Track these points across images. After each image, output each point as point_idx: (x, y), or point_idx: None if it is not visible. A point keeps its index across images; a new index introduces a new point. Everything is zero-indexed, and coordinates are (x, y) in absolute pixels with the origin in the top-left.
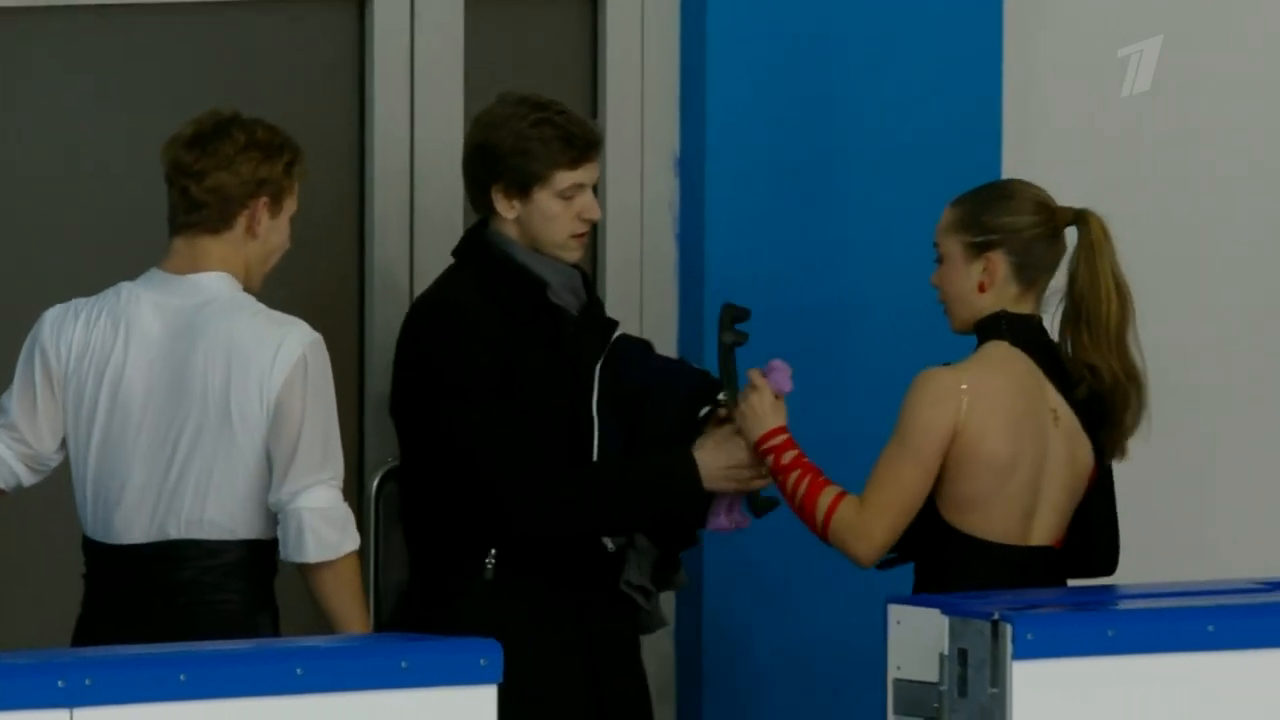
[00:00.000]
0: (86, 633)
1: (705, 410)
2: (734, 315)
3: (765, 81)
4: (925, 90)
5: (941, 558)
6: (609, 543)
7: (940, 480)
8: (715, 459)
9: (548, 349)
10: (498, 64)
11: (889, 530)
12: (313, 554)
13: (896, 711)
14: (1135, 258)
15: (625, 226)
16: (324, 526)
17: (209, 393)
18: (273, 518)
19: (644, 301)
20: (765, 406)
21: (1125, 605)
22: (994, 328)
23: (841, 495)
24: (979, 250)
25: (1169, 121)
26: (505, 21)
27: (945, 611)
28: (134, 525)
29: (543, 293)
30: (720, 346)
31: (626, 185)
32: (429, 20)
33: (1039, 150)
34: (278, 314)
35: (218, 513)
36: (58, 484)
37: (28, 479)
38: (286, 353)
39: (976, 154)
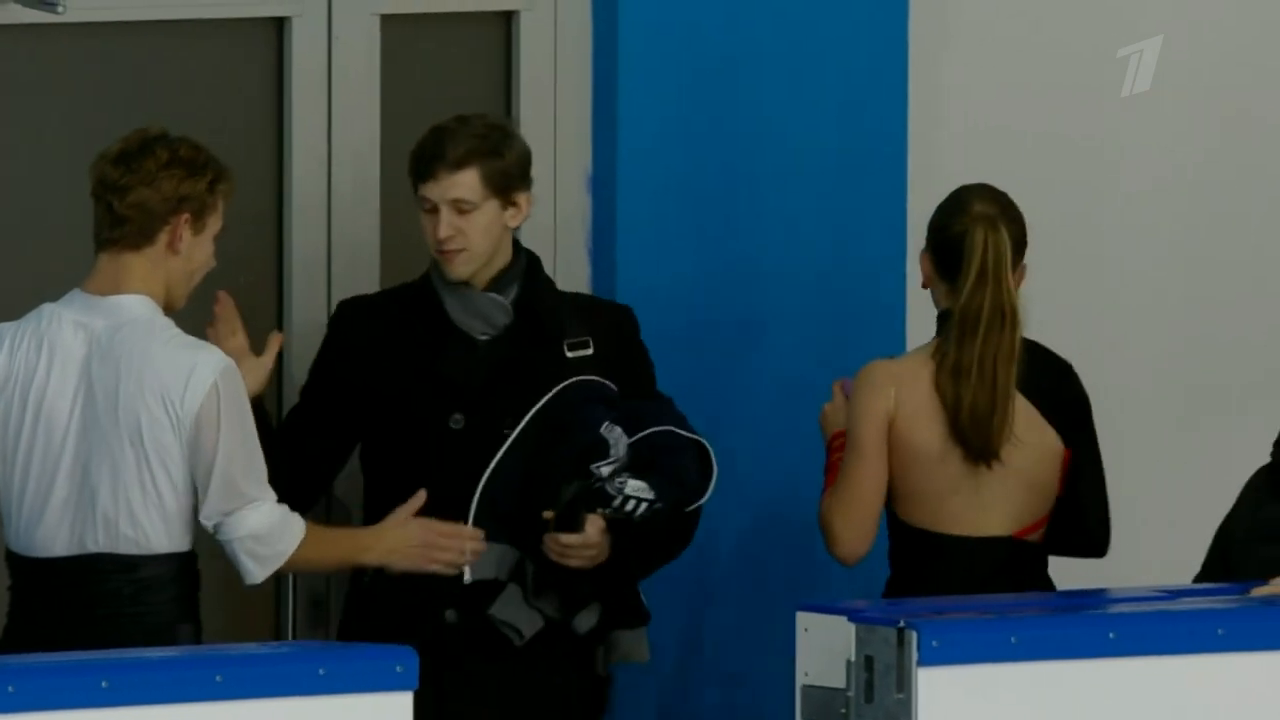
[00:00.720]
0: (12, 643)
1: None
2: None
3: (675, 101)
4: (832, 108)
5: (900, 554)
6: (466, 572)
7: (890, 475)
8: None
9: (427, 364)
10: (414, 85)
11: (853, 526)
12: (258, 576)
13: (805, 717)
14: (1038, 260)
15: (539, 244)
16: (259, 548)
17: (123, 414)
18: (191, 532)
19: None
20: (841, 413)
21: (1027, 613)
22: (939, 321)
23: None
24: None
25: (1067, 134)
26: (421, 43)
27: (852, 619)
28: (55, 540)
29: (439, 313)
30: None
31: (541, 203)
32: (346, 42)
33: (942, 165)
34: (191, 339)
35: (133, 528)
36: None
37: None
38: (198, 380)
39: (882, 170)
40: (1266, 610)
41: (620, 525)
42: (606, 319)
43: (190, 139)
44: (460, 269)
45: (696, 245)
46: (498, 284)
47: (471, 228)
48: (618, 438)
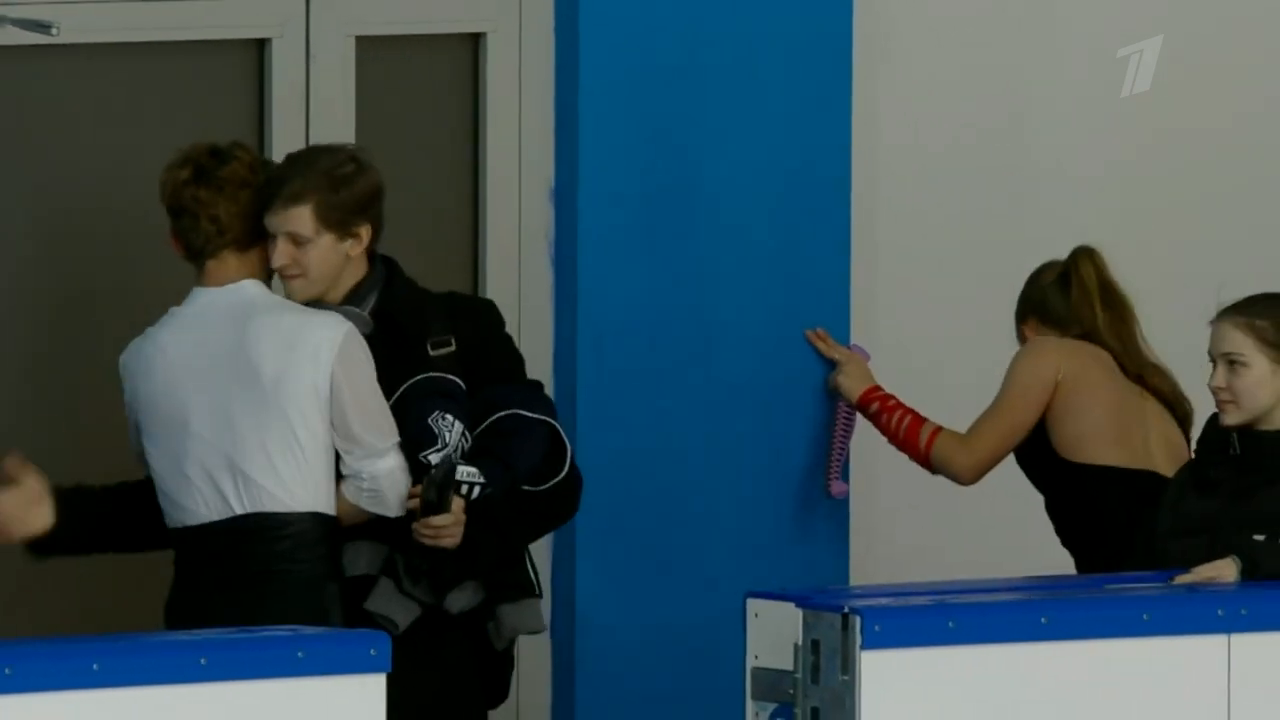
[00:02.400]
0: (175, 611)
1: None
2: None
3: (633, 117)
4: (780, 123)
5: None
6: (345, 567)
7: None
8: None
9: None
10: (387, 103)
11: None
12: (401, 509)
13: (754, 697)
14: (975, 263)
15: (504, 253)
16: (400, 486)
17: (262, 377)
18: (332, 494)
19: (521, 323)
20: (863, 370)
21: (965, 599)
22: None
23: (940, 428)
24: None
25: (997, 143)
26: (394, 64)
27: (799, 605)
28: (203, 508)
29: None
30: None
31: (505, 215)
32: (323, 62)
33: (882, 170)
34: (310, 309)
35: (277, 487)
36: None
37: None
38: (329, 333)
39: (827, 179)
40: (1188, 597)
41: (468, 508)
42: (468, 314)
43: (240, 142)
44: (299, 294)
45: (653, 253)
46: (353, 297)
47: (306, 258)
48: (447, 425)
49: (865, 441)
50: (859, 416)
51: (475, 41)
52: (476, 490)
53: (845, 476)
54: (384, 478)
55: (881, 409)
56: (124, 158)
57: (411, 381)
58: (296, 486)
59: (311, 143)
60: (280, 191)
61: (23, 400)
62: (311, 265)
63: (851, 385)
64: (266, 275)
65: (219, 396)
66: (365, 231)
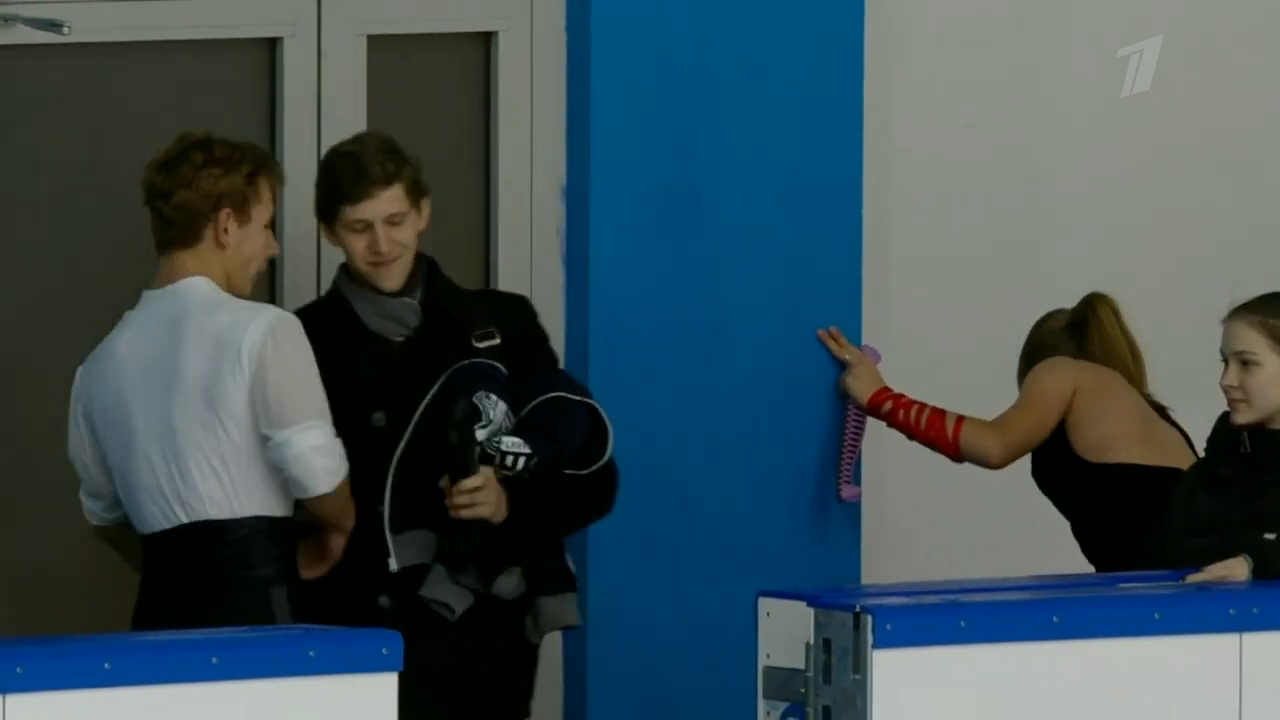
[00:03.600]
0: (141, 613)
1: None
2: (471, 415)
3: (645, 115)
4: (792, 121)
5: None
6: (392, 563)
7: None
8: None
9: (346, 368)
10: (399, 101)
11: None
12: (327, 485)
13: (766, 696)
14: (984, 266)
15: (516, 251)
16: (325, 459)
17: (193, 384)
18: (282, 494)
19: None
20: (872, 372)
21: (977, 598)
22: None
23: (963, 416)
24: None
25: (1008, 143)
26: (406, 62)
27: (811, 604)
28: (155, 516)
29: (352, 319)
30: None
31: (518, 212)
32: (335, 61)
33: (894, 169)
34: (251, 303)
35: (219, 494)
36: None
37: (118, 510)
38: (256, 326)
39: (840, 176)
40: (1200, 596)
41: (514, 486)
42: (507, 309)
43: (228, 138)
44: (395, 279)
45: (665, 251)
46: (405, 288)
47: (404, 237)
48: (492, 405)
49: (878, 441)
50: (870, 420)
51: (487, 40)
52: (522, 461)
53: (856, 480)
54: (292, 460)
55: (896, 407)
56: (135, 157)
57: (455, 367)
58: (238, 492)
59: (324, 142)
60: (370, 175)
61: (38, 398)
62: (409, 242)
63: (860, 388)
64: (233, 281)
65: (158, 404)
66: (427, 206)
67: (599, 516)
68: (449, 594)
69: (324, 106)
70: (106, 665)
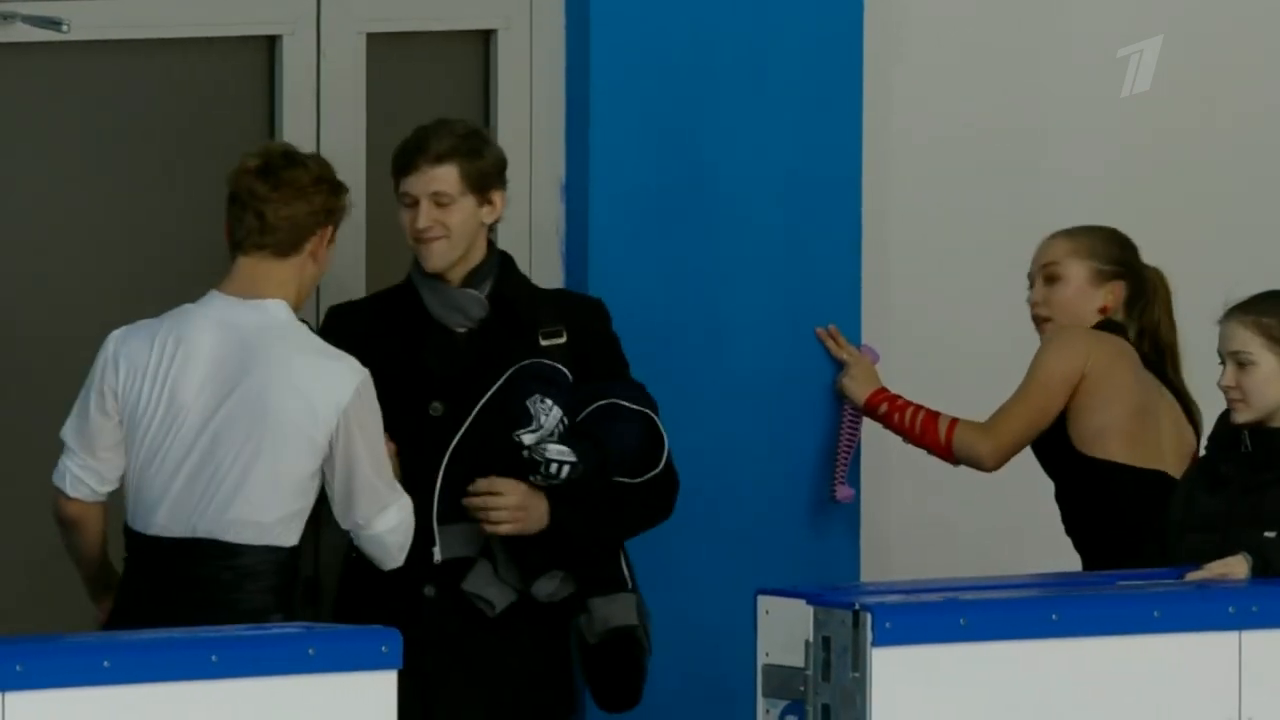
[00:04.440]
0: (120, 614)
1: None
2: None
3: (643, 112)
4: (790, 118)
5: None
6: (436, 553)
7: None
8: None
9: (409, 356)
10: (398, 99)
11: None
12: (399, 561)
13: (765, 694)
14: (989, 257)
15: (515, 248)
16: (398, 538)
17: (256, 411)
18: (297, 528)
19: None
20: (869, 373)
21: (976, 596)
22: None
23: (957, 419)
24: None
25: (1008, 141)
26: (405, 59)
27: (810, 602)
28: (173, 522)
29: (418, 308)
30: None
31: (516, 210)
32: (334, 58)
33: (893, 167)
34: (330, 347)
35: (246, 519)
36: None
37: (106, 490)
38: (343, 387)
39: (839, 174)
40: (1199, 594)
41: (556, 492)
42: (579, 310)
43: (319, 156)
44: (437, 259)
45: (663, 248)
46: (473, 279)
47: (449, 219)
48: (545, 409)
49: (877, 439)
50: (866, 420)
51: (486, 38)
52: (566, 469)
53: (853, 481)
54: (387, 533)
55: (891, 409)
56: (135, 156)
57: (518, 366)
58: (262, 522)
59: (322, 141)
60: (425, 150)
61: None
62: (455, 226)
63: (857, 389)
64: (301, 293)
65: (214, 417)
66: (499, 200)
67: (654, 524)
68: (491, 590)
69: (323, 104)
70: (106, 663)
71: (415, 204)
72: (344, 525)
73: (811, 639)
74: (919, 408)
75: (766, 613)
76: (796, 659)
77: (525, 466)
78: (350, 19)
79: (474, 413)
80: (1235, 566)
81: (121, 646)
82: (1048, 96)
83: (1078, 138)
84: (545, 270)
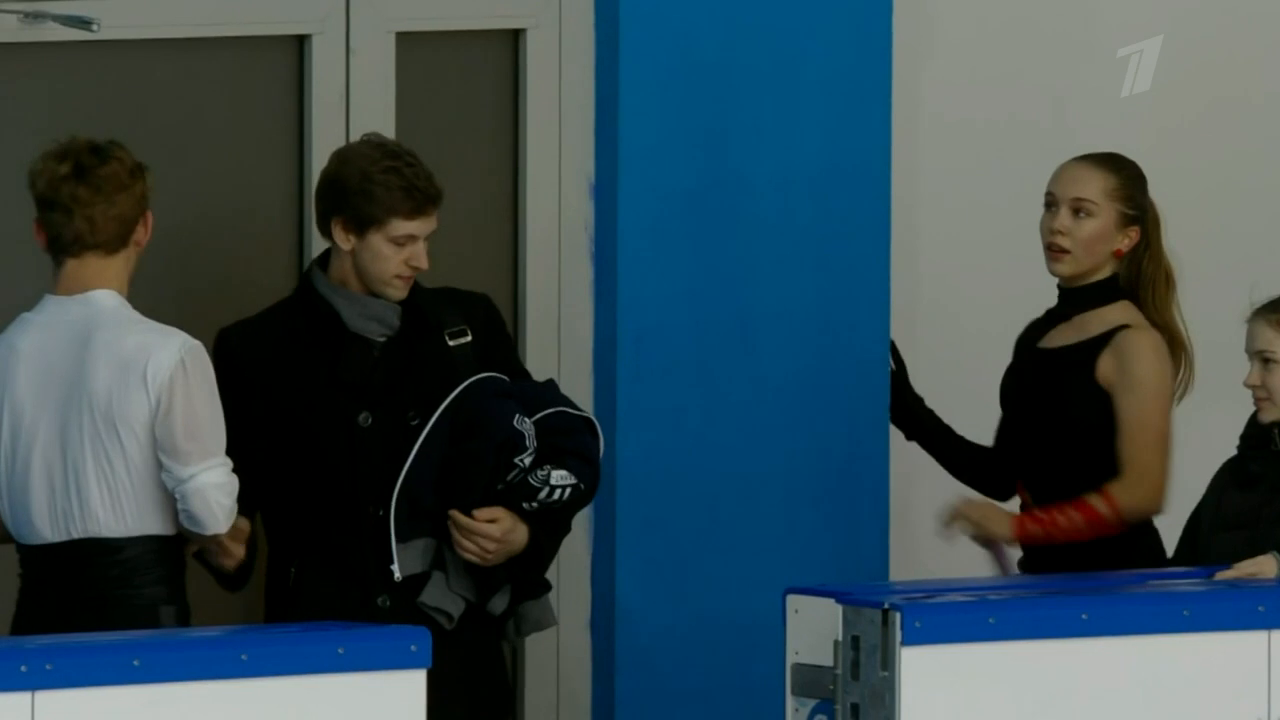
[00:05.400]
0: (21, 624)
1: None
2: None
3: (673, 112)
4: (820, 117)
5: None
6: (395, 571)
7: None
8: None
9: (330, 369)
10: (427, 98)
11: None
12: (223, 525)
13: (794, 693)
14: (1013, 258)
15: (544, 247)
16: (223, 499)
17: (96, 400)
18: (171, 515)
19: (561, 318)
20: (996, 513)
21: (1005, 594)
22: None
23: (1101, 489)
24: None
25: (1037, 137)
26: (434, 57)
27: (839, 601)
28: (43, 528)
29: (335, 321)
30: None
31: (546, 209)
32: (364, 57)
33: (922, 164)
34: (161, 325)
35: (112, 513)
36: None
37: None
38: (167, 355)
39: (867, 173)
40: (1229, 593)
41: (540, 513)
42: (476, 307)
43: (117, 142)
44: (406, 290)
45: (693, 248)
46: None
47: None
48: (529, 429)
49: (900, 440)
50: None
51: (515, 37)
52: (568, 493)
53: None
54: (193, 495)
55: (1045, 528)
56: (164, 154)
57: (470, 382)
58: (131, 511)
59: (351, 138)
60: (434, 197)
61: None
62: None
63: (999, 530)
64: (128, 279)
65: (58, 416)
66: None
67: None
68: (448, 602)
69: (353, 103)
70: (135, 662)
71: (409, 242)
72: (170, 482)
73: (841, 638)
74: (1061, 507)
75: (796, 611)
76: (826, 658)
77: (518, 491)
78: (380, 18)
79: (429, 425)
80: (1265, 565)
81: (151, 646)
82: (1078, 93)
83: (1107, 129)
84: (574, 269)
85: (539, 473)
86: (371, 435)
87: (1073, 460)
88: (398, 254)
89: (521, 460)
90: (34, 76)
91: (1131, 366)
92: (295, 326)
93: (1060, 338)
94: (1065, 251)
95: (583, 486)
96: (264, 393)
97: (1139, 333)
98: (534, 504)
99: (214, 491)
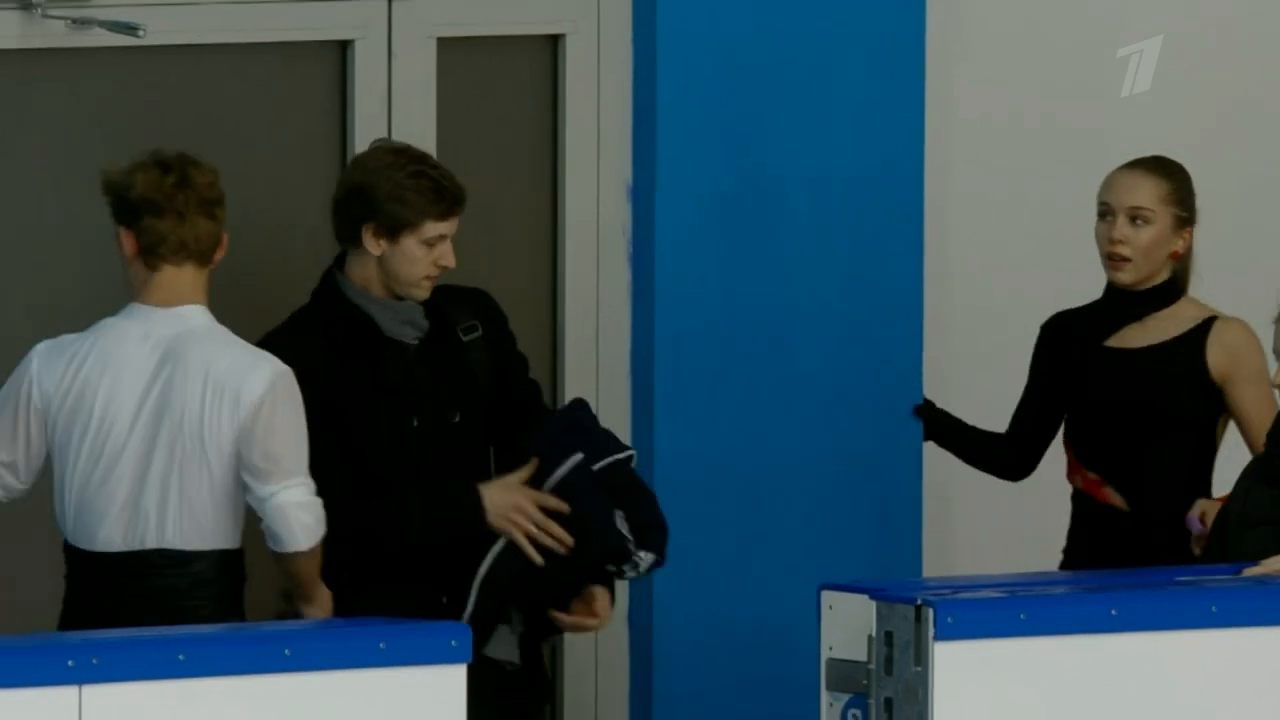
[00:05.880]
0: (72, 628)
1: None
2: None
3: (709, 117)
4: (853, 123)
5: None
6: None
7: None
8: (499, 498)
9: (373, 375)
10: (467, 102)
11: None
12: (305, 542)
13: (829, 687)
14: (1045, 261)
15: (583, 250)
16: (305, 516)
17: (186, 418)
18: (240, 529)
19: (600, 320)
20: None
21: (1036, 591)
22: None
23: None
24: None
25: (1071, 140)
26: (475, 63)
27: (873, 597)
28: (115, 536)
29: (370, 327)
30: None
31: (584, 212)
32: (405, 63)
33: (956, 168)
34: (253, 347)
35: (189, 525)
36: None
37: None
38: (258, 378)
39: (900, 178)
40: (1256, 589)
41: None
42: (480, 302)
43: (198, 158)
44: (430, 290)
45: (729, 250)
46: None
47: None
48: (622, 524)
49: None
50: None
51: (554, 42)
52: (650, 567)
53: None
54: (274, 513)
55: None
56: (209, 157)
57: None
58: (207, 527)
59: (395, 141)
60: (458, 197)
61: None
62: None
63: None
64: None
65: (147, 430)
66: None
67: None
68: (513, 651)
69: (394, 107)
70: (181, 657)
71: (440, 242)
72: (252, 501)
73: (874, 633)
74: (1220, 500)
75: (830, 607)
76: (859, 653)
77: (613, 556)
78: (421, 23)
79: (524, 474)
80: None
81: (196, 640)
82: (1110, 96)
83: (1143, 131)
84: (612, 271)
85: (633, 558)
86: (421, 437)
87: (1174, 451)
88: (428, 255)
89: (620, 568)
90: (82, 80)
91: (1246, 358)
92: (332, 335)
93: (1140, 337)
94: (1126, 260)
95: (661, 562)
96: (314, 404)
97: (1235, 324)
98: (622, 572)
99: (294, 509)
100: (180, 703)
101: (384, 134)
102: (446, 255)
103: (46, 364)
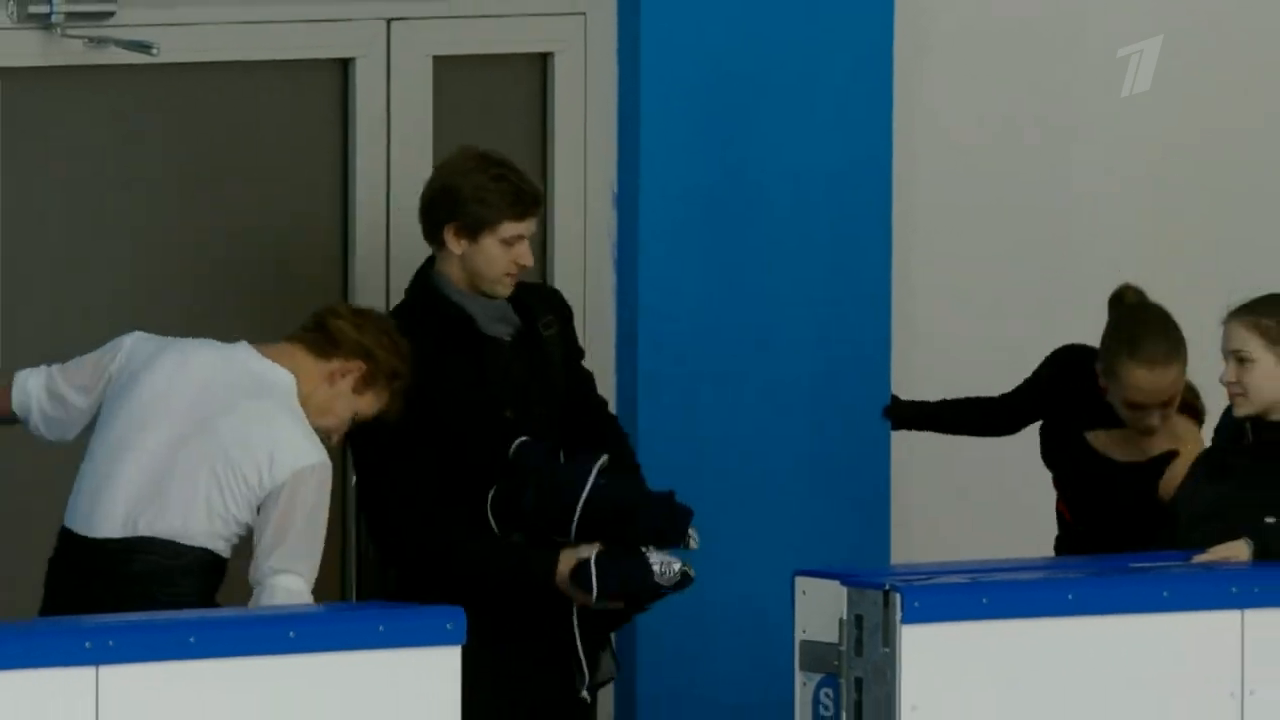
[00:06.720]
0: (56, 611)
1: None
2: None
3: (691, 127)
4: (827, 131)
5: None
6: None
7: None
8: (566, 565)
9: (476, 371)
10: (462, 115)
11: None
12: None
13: (803, 668)
14: (1010, 259)
15: (570, 254)
16: (289, 603)
17: (228, 448)
18: (230, 548)
19: (586, 320)
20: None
21: (998, 577)
22: None
23: None
24: None
25: (1037, 142)
26: (469, 80)
27: (844, 583)
28: (111, 522)
29: (471, 325)
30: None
31: (571, 217)
32: (404, 79)
33: (922, 169)
34: (313, 432)
35: (190, 525)
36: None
37: (39, 427)
38: (304, 457)
39: (869, 180)
40: (1205, 574)
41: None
42: (554, 300)
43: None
44: (512, 287)
45: (710, 254)
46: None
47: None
48: (669, 575)
49: (902, 434)
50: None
51: (544, 60)
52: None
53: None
54: (265, 593)
55: None
56: (216, 170)
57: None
58: (202, 532)
59: (393, 155)
60: (536, 197)
61: None
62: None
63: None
64: (308, 402)
65: (184, 436)
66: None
67: None
68: (612, 669)
69: (393, 121)
70: (191, 639)
71: (519, 242)
72: (252, 572)
73: (845, 617)
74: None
75: (804, 593)
76: (831, 635)
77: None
78: (418, 43)
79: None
80: (1238, 550)
81: (205, 624)
82: (1076, 97)
83: (1109, 135)
84: (598, 274)
85: (665, 577)
86: (516, 432)
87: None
88: (506, 254)
89: (685, 537)
90: (99, 95)
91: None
92: (444, 333)
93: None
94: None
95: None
96: (412, 405)
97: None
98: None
99: (284, 596)
100: (191, 682)
101: (383, 147)
102: (524, 254)
103: (140, 341)
